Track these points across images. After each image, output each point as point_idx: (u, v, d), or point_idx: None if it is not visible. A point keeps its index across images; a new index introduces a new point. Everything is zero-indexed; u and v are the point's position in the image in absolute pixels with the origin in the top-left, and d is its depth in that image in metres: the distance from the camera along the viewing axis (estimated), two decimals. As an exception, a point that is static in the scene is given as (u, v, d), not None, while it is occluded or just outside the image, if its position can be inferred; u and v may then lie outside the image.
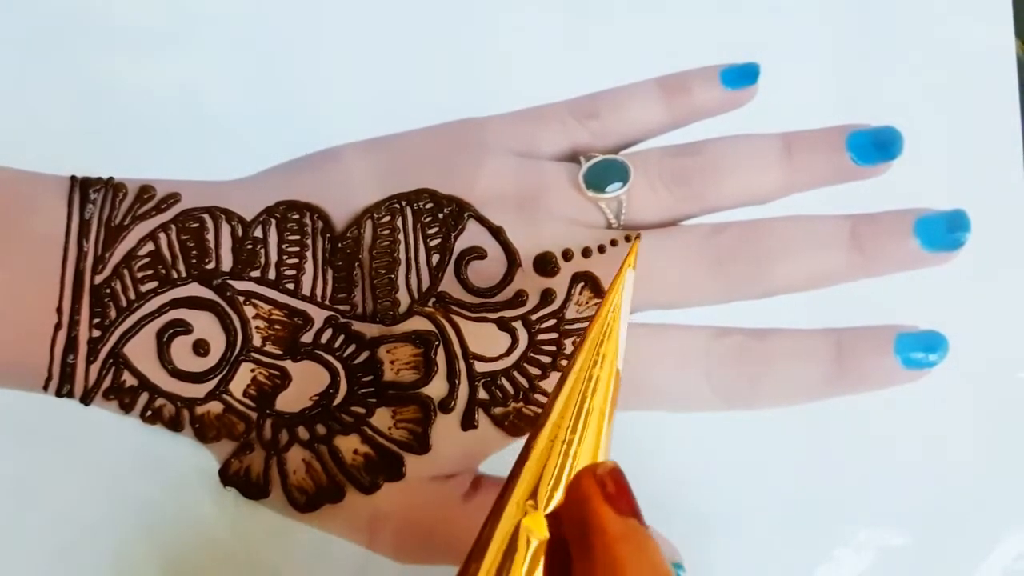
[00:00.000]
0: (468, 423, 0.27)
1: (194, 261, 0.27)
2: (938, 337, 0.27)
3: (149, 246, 0.27)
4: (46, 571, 0.27)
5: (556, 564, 0.20)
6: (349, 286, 0.27)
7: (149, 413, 0.27)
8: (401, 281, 0.27)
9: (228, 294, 0.27)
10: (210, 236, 0.27)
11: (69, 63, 0.29)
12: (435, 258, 0.28)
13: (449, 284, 0.27)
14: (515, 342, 0.27)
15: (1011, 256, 0.30)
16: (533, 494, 0.21)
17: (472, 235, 0.28)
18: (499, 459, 0.27)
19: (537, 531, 0.20)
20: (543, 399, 0.27)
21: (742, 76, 0.30)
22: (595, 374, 0.22)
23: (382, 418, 0.27)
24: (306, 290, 0.27)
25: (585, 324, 0.27)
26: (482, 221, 0.28)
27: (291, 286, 0.27)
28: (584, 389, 0.22)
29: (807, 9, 0.31)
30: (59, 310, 0.26)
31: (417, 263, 0.28)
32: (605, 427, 0.22)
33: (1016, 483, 0.29)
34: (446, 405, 0.26)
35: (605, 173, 0.28)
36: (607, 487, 0.20)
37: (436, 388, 0.27)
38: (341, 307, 0.27)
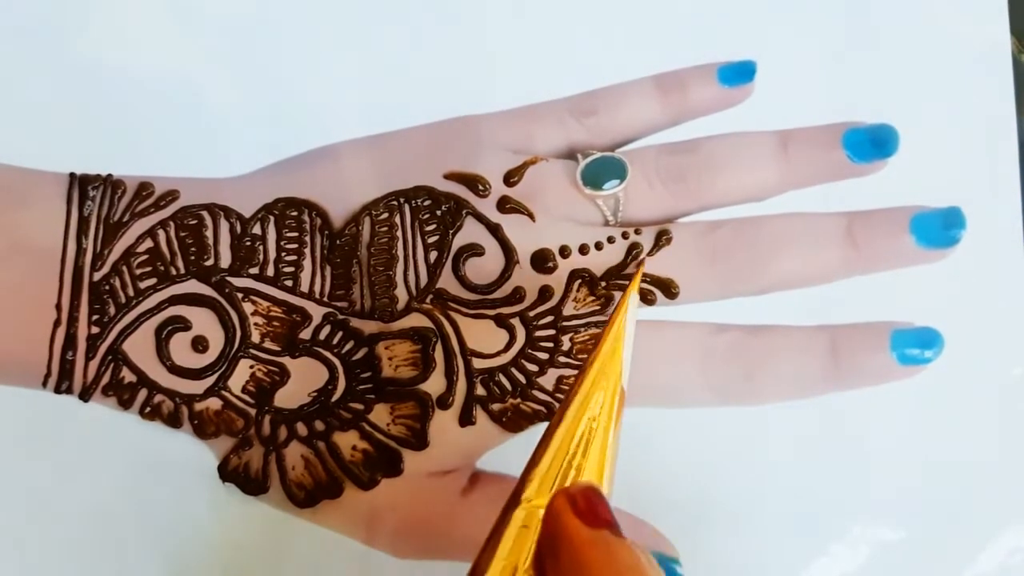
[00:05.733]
0: (466, 419, 0.27)
1: (193, 258, 0.27)
2: (934, 333, 0.27)
3: (148, 243, 0.27)
4: (46, 568, 0.27)
5: None
6: (347, 283, 0.28)
7: (148, 409, 0.27)
8: (399, 278, 0.27)
9: (227, 291, 0.27)
10: (209, 233, 0.27)
11: (68, 60, 0.29)
12: (433, 255, 0.28)
13: (447, 281, 0.27)
14: (513, 339, 0.27)
15: (1006, 253, 0.30)
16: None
17: (470, 232, 0.28)
18: (497, 455, 0.27)
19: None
20: (541, 395, 0.27)
21: (739, 74, 0.30)
22: (596, 394, 0.22)
23: (380, 414, 0.27)
24: (304, 287, 0.27)
25: (583, 321, 0.27)
26: (480, 218, 0.28)
27: (289, 283, 0.27)
28: (587, 411, 0.22)
29: (803, 7, 0.31)
30: (58, 307, 0.26)
31: (415, 260, 0.28)
32: (610, 443, 0.22)
33: (1011, 479, 0.30)
34: (444, 401, 0.27)
35: (602, 170, 0.28)
36: (577, 503, 0.20)
37: (434, 384, 0.27)
38: (339, 304, 0.27)
